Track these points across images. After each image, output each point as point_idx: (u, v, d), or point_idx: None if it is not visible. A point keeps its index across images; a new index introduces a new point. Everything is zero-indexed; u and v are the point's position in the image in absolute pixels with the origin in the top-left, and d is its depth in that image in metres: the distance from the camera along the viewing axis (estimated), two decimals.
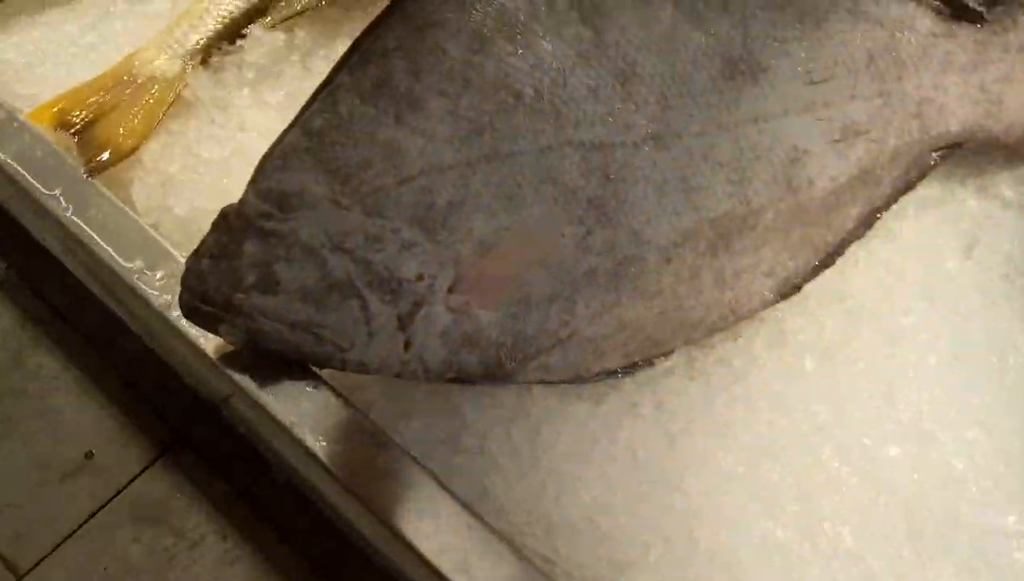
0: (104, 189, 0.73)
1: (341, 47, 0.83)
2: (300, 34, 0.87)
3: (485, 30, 0.56)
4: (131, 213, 0.72)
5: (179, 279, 0.61)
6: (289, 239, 0.56)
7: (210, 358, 0.62)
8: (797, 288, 0.68)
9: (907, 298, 0.71)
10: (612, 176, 0.59)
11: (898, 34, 0.67)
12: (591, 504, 0.64)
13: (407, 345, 0.58)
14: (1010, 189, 0.76)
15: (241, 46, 0.85)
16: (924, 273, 0.72)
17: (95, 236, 0.69)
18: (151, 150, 0.81)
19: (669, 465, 0.64)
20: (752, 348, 0.69)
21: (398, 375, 0.61)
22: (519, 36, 0.57)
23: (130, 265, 0.68)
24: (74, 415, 0.77)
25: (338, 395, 0.62)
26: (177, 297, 0.61)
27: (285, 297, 0.56)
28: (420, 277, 0.56)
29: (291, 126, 0.59)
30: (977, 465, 0.65)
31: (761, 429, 0.66)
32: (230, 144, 0.81)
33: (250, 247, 0.56)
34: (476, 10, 0.56)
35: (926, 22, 0.68)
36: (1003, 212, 0.75)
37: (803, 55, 0.64)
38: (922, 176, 0.71)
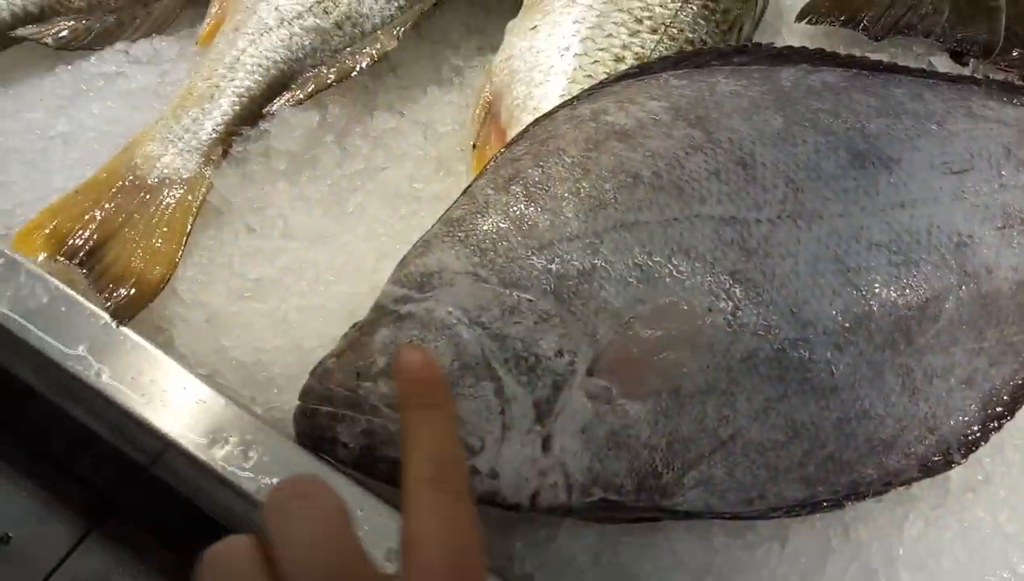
0: (140, 338, 0.57)
1: (380, 122, 0.76)
2: (334, 110, 0.74)
3: (600, 136, 0.60)
4: (182, 367, 0.57)
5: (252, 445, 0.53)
6: (424, 319, 0.54)
7: None
8: (1009, 410, 0.59)
9: None
10: (753, 250, 0.56)
11: None
12: None
13: (546, 444, 0.52)
14: None
15: (266, 130, 0.70)
16: None
17: (141, 409, 0.53)
18: (186, 277, 0.64)
19: None
20: None
21: (534, 498, 0.53)
22: (631, 138, 0.59)
23: (199, 441, 0.54)
24: None
25: None
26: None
27: None
28: (559, 352, 0.53)
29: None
30: None
31: (958, 547, 0.60)
32: (279, 257, 0.66)
33: (382, 334, 0.55)
34: (590, 124, 0.61)
35: None
36: None
37: (933, 149, 0.62)
38: None
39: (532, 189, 0.57)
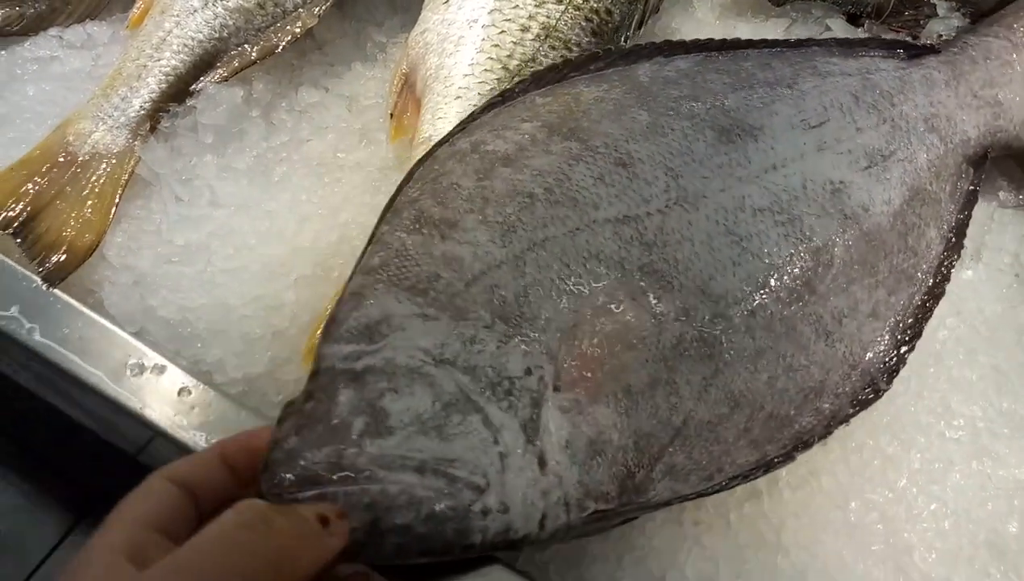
0: (71, 299, 0.62)
1: (305, 96, 0.82)
2: (258, 86, 0.79)
3: (486, 165, 0.61)
4: (112, 326, 0.61)
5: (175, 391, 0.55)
6: (388, 368, 0.52)
7: None
8: (917, 330, 0.64)
9: (936, 313, 0.70)
10: (651, 242, 0.59)
11: (869, 76, 0.72)
12: None
13: (542, 462, 0.52)
14: (1005, 191, 0.81)
15: (193, 106, 0.75)
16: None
17: (77, 361, 0.58)
18: (115, 243, 0.70)
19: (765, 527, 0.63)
20: None
21: (542, 523, 0.52)
22: (515, 162, 0.61)
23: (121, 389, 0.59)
24: None
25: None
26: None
27: (403, 434, 0.50)
28: (528, 370, 0.54)
29: (344, 286, 0.58)
30: None
31: (839, 468, 0.66)
32: (206, 224, 0.71)
33: (345, 395, 0.51)
34: (473, 157, 0.62)
35: (889, 62, 0.73)
36: (1002, 212, 0.79)
37: (789, 110, 0.68)
38: (975, 187, 0.71)
39: (441, 226, 0.57)
